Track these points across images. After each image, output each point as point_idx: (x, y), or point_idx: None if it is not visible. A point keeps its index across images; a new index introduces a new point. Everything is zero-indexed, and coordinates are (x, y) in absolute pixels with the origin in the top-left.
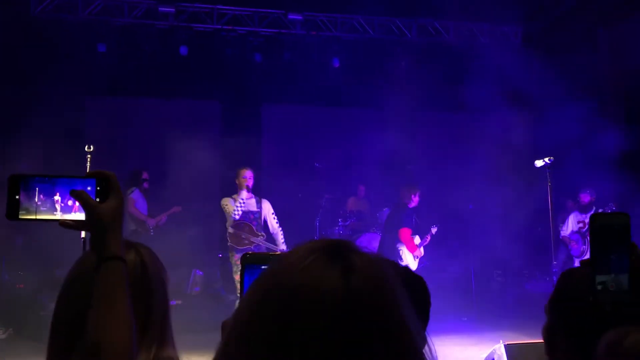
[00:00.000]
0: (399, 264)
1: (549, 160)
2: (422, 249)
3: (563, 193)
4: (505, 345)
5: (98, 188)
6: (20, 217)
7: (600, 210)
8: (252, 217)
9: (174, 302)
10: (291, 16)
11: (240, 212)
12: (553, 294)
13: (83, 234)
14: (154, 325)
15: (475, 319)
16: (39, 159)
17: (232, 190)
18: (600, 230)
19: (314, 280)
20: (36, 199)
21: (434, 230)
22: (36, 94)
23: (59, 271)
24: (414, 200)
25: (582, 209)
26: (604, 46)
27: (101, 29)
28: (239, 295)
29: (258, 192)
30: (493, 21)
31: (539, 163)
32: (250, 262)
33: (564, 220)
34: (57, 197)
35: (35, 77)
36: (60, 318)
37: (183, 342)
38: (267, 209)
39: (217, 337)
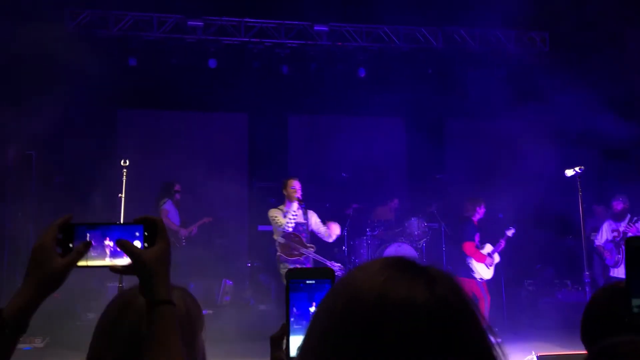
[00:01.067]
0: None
1: (579, 169)
2: (497, 255)
3: (593, 199)
4: (537, 356)
5: (146, 233)
6: (90, 263)
7: (635, 219)
8: (301, 228)
9: (205, 312)
10: (317, 27)
11: (293, 225)
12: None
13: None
14: None
15: (507, 329)
16: (73, 172)
17: (260, 200)
18: (636, 254)
19: (400, 290)
20: (103, 246)
21: (509, 233)
22: (69, 108)
23: (94, 282)
24: (479, 212)
25: (616, 217)
26: (632, 49)
27: (132, 44)
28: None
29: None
30: (519, 27)
31: (569, 172)
32: (295, 277)
33: (596, 229)
34: (108, 243)
35: (68, 92)
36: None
37: (214, 351)
38: (314, 221)
39: (247, 347)
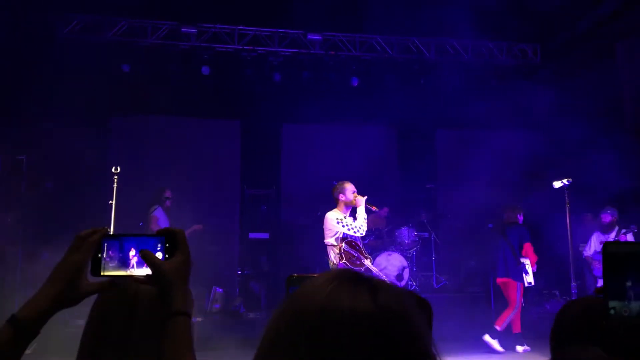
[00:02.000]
0: (407, 288)
1: (567, 181)
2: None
3: (583, 208)
4: None
5: (167, 245)
6: (107, 272)
7: (623, 231)
8: (363, 237)
9: (194, 320)
10: (310, 36)
11: (366, 227)
12: (554, 324)
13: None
14: None
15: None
16: (64, 178)
17: (251, 208)
18: (612, 258)
19: (345, 301)
20: (126, 256)
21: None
22: (62, 113)
23: None
24: (520, 220)
25: (604, 229)
26: (622, 62)
27: (125, 50)
28: None
29: (278, 211)
30: (511, 39)
31: (557, 184)
32: (295, 285)
33: (585, 239)
34: (132, 253)
35: (61, 97)
36: (88, 332)
37: (204, 359)
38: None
39: (236, 355)
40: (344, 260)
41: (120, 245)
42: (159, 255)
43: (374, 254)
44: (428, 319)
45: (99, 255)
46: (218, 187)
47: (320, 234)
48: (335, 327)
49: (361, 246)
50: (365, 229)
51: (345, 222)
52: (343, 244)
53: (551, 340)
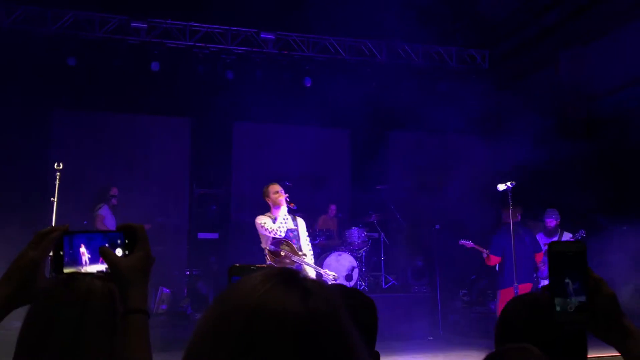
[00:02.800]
0: (347, 287)
1: (510, 184)
2: None
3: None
4: None
5: (126, 241)
6: (65, 270)
7: (570, 235)
8: (291, 234)
9: None
10: (264, 35)
11: (285, 229)
12: (498, 321)
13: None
14: None
15: (441, 338)
16: (2, 173)
17: (201, 207)
18: (557, 257)
19: (276, 303)
20: (77, 253)
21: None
22: (2, 105)
23: None
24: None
25: (549, 233)
26: (565, 70)
27: (71, 43)
28: None
29: (228, 211)
30: (461, 45)
31: (501, 187)
32: (237, 274)
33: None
34: (83, 250)
35: (1, 89)
36: (28, 335)
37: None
38: (303, 228)
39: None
40: (269, 262)
41: (80, 242)
42: (119, 251)
43: (323, 254)
44: (372, 319)
45: (61, 253)
46: (167, 186)
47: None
48: (264, 329)
49: (294, 244)
50: (284, 228)
51: (267, 226)
52: (269, 244)
53: (495, 336)
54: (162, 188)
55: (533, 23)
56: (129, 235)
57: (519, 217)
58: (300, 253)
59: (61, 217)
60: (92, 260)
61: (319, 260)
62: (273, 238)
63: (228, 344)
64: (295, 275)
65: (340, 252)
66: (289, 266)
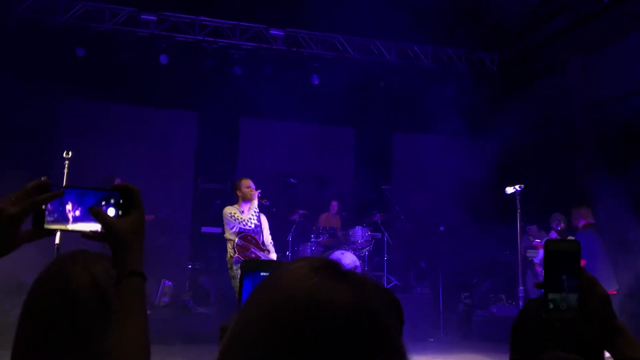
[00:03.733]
0: (382, 285)
1: (519, 187)
2: None
3: (531, 218)
4: None
5: (121, 201)
6: (46, 226)
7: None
8: (257, 229)
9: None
10: (273, 31)
11: (256, 222)
12: (512, 327)
13: (57, 240)
14: None
15: (442, 341)
16: (11, 160)
17: (205, 202)
18: (552, 254)
19: (327, 295)
20: (64, 210)
21: None
22: (10, 94)
23: (26, 277)
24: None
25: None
26: (574, 75)
27: (81, 34)
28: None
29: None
30: (470, 47)
31: (509, 190)
32: (249, 268)
33: (532, 247)
34: (69, 207)
35: (11, 78)
36: (26, 328)
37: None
38: (266, 224)
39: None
40: (236, 254)
41: (68, 198)
42: (112, 211)
43: (326, 252)
44: (398, 317)
45: (42, 208)
46: (171, 179)
47: (272, 230)
48: (317, 319)
49: (258, 240)
50: (255, 221)
51: (236, 217)
52: (237, 238)
53: (511, 339)
54: (167, 181)
55: (543, 27)
56: (124, 195)
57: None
58: (264, 248)
59: None
60: (81, 218)
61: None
62: (240, 231)
63: (278, 335)
64: (341, 267)
65: (343, 251)
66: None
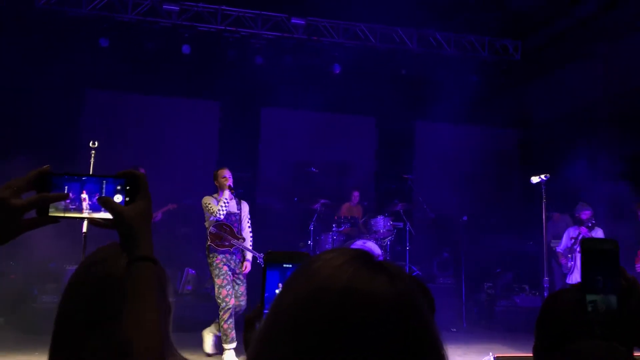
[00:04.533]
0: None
1: (544, 177)
2: None
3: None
4: (494, 357)
5: (127, 187)
6: (50, 214)
7: (590, 223)
8: (233, 218)
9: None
10: (294, 20)
11: (224, 212)
12: (539, 316)
13: (85, 229)
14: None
15: (465, 331)
16: (37, 151)
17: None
18: (590, 254)
19: (365, 285)
20: (73, 198)
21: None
22: (35, 84)
23: (52, 264)
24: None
25: (580, 225)
26: (600, 62)
27: (104, 24)
28: (219, 297)
29: (253, 195)
30: (493, 35)
31: (535, 179)
32: (272, 260)
33: (557, 236)
34: (84, 196)
35: (36, 68)
36: (67, 317)
37: (174, 340)
38: (245, 212)
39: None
40: (209, 242)
41: (75, 185)
42: (119, 197)
43: (348, 241)
44: (430, 306)
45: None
46: (193, 169)
47: (294, 220)
48: (355, 309)
49: (234, 228)
50: (223, 212)
51: (210, 207)
52: (211, 227)
53: (539, 327)
54: (189, 170)
55: (568, 14)
56: (130, 182)
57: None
58: (239, 237)
59: None
60: (88, 206)
61: (343, 247)
62: (216, 220)
63: (316, 324)
64: (375, 258)
65: (365, 240)
66: (227, 249)
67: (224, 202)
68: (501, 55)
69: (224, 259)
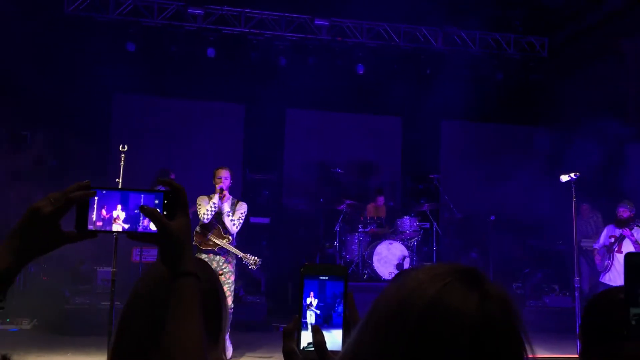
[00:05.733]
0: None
1: (574, 175)
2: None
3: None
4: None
5: (166, 201)
6: (90, 229)
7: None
8: (219, 219)
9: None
10: (317, 22)
11: (209, 218)
12: (582, 319)
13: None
14: (221, 336)
15: None
16: (68, 155)
17: (253, 192)
18: (634, 268)
19: (452, 302)
20: (104, 212)
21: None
22: (65, 90)
23: (83, 266)
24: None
25: (619, 224)
26: (630, 58)
27: (131, 29)
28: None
29: (279, 196)
30: (518, 32)
31: (564, 178)
32: (309, 272)
33: (586, 234)
34: (121, 211)
35: (65, 74)
36: (127, 328)
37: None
38: (240, 210)
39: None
40: (194, 242)
41: (114, 199)
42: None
43: (374, 242)
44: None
45: (86, 209)
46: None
47: (320, 220)
48: (438, 324)
49: (220, 227)
50: (208, 217)
51: (199, 209)
52: (197, 226)
53: (583, 329)
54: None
55: (595, 10)
56: (169, 196)
57: None
58: (225, 236)
59: None
60: (127, 220)
61: (369, 248)
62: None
63: (400, 338)
64: (475, 274)
65: (391, 241)
66: (211, 248)
67: (211, 207)
68: (527, 53)
69: (207, 259)
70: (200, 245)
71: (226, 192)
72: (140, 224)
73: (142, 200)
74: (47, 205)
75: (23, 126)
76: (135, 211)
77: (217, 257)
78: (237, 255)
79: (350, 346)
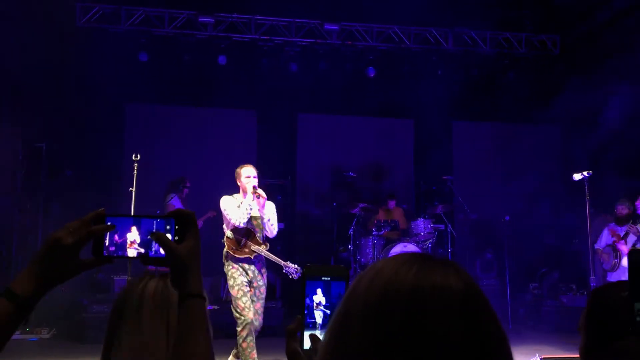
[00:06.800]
0: None
1: (587, 173)
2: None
3: (599, 203)
4: (541, 358)
5: (177, 227)
6: (106, 255)
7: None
8: (255, 222)
9: (210, 307)
10: (327, 26)
11: (246, 219)
12: (586, 314)
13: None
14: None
15: (511, 331)
16: (83, 165)
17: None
18: (638, 265)
19: (437, 279)
20: (117, 237)
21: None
22: (79, 101)
23: (100, 275)
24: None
25: (619, 222)
26: None
27: (142, 39)
28: (236, 310)
29: (293, 201)
30: (530, 31)
31: (577, 176)
32: (312, 273)
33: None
34: (136, 236)
35: (79, 85)
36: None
37: (219, 346)
38: (272, 211)
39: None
40: (226, 249)
41: (127, 226)
42: (168, 237)
43: (388, 245)
44: None
45: (102, 236)
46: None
47: (334, 224)
48: (428, 304)
49: (256, 233)
50: (244, 220)
51: (229, 213)
52: (228, 231)
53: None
54: (229, 179)
55: (607, 7)
56: (179, 221)
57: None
58: (261, 242)
59: (139, 206)
60: (140, 245)
61: (384, 250)
62: (235, 226)
63: (393, 324)
64: (432, 256)
65: (406, 243)
66: (247, 256)
67: (247, 209)
68: (539, 51)
69: (240, 268)
70: (234, 253)
71: (261, 191)
72: (153, 248)
73: (154, 225)
74: (67, 236)
75: (38, 138)
76: (148, 237)
77: (252, 267)
78: (265, 265)
79: (331, 346)
